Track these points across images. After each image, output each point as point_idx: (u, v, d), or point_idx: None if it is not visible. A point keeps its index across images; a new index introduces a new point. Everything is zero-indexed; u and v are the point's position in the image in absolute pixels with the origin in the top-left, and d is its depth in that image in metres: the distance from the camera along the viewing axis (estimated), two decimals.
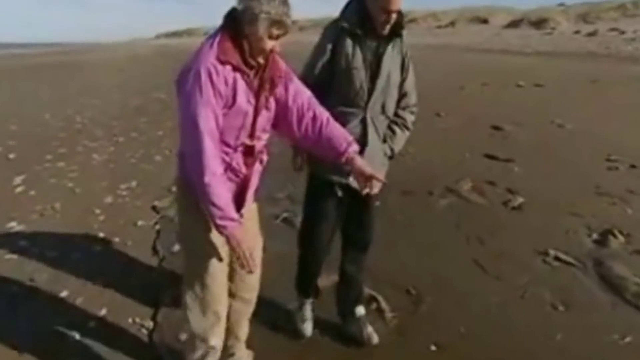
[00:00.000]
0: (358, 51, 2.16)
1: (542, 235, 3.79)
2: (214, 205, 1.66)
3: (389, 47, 2.20)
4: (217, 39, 1.68)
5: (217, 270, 1.91)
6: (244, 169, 1.83)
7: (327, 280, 2.78)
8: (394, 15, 2.10)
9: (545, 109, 8.40)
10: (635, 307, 2.93)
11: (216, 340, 2.00)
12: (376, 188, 2.05)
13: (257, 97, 1.75)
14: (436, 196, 4.63)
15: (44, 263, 3.37)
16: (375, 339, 2.49)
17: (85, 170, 5.67)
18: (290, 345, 2.54)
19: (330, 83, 2.20)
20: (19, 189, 5.02)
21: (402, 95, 2.33)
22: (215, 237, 1.82)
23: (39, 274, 3.22)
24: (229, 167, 1.78)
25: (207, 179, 1.64)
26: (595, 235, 3.82)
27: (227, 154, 1.76)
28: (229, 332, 2.14)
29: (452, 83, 12.25)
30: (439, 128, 7.24)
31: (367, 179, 1.90)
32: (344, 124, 2.10)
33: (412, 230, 3.92)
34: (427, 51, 24.06)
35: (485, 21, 55.99)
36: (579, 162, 5.62)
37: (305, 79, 2.12)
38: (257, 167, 1.90)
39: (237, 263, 1.81)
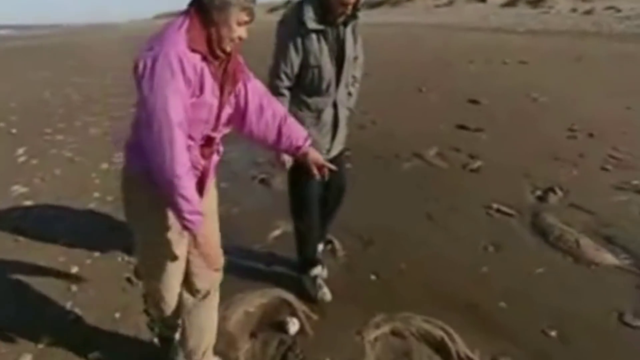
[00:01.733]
0: (324, 46, 2.33)
1: (491, 192, 4.22)
2: (184, 198, 1.61)
3: (348, 31, 2.40)
4: (186, 26, 1.60)
5: (173, 267, 1.90)
6: (202, 161, 1.78)
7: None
8: (350, 6, 2.26)
9: (524, 84, 8.74)
10: (556, 247, 3.38)
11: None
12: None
13: (221, 89, 1.71)
14: (402, 160, 5.06)
15: (44, 217, 3.84)
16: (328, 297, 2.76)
17: (83, 142, 6.10)
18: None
19: (299, 78, 2.37)
20: (21, 159, 5.46)
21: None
22: (173, 233, 1.80)
23: (39, 226, 3.69)
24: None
25: (178, 171, 1.57)
26: (538, 192, 4.25)
27: (189, 147, 1.67)
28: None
29: (439, 60, 12.57)
30: (418, 102, 7.61)
31: (321, 167, 2.03)
32: (319, 112, 2.43)
33: (374, 189, 4.36)
34: (420, 30, 24.23)
35: (483, 0, 55.41)
36: (542, 132, 6.02)
37: (280, 80, 2.32)
38: (215, 158, 1.86)
39: (199, 258, 1.85)
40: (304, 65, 2.33)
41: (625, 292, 2.91)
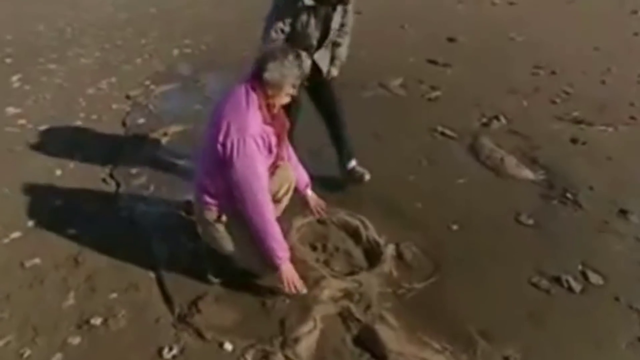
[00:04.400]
0: (312, 19, 2.79)
1: (440, 118, 4.60)
2: (276, 241, 2.23)
3: (337, 11, 2.86)
4: (257, 104, 2.17)
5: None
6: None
7: None
8: None
9: (506, 24, 8.82)
10: (483, 164, 3.83)
11: None
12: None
13: (279, 138, 2.32)
14: (367, 89, 5.41)
15: (34, 132, 4.32)
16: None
17: (72, 71, 6.45)
18: None
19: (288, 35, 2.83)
20: (15, 85, 5.85)
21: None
22: None
23: (30, 139, 4.19)
24: None
25: (270, 222, 2.19)
26: (484, 120, 4.64)
27: None
28: None
29: (428, 2, 12.53)
30: (397, 38, 7.80)
31: (319, 212, 2.77)
32: None
33: None
34: None
35: None
36: (507, 69, 6.29)
37: (276, 33, 2.77)
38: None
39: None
40: (292, 29, 2.81)
41: (529, 200, 3.39)
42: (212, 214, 2.35)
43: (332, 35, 2.97)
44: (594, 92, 5.38)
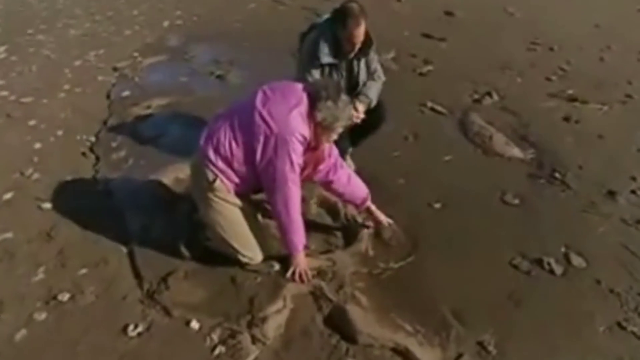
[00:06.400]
0: (335, 75, 2.87)
1: (431, 93, 4.49)
2: (297, 235, 2.30)
3: (361, 63, 2.92)
4: (305, 112, 2.19)
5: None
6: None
7: None
8: (357, 44, 2.76)
9: None
10: (471, 141, 3.75)
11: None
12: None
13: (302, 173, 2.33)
14: None
15: (16, 104, 4.24)
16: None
17: (61, 42, 6.32)
18: None
19: None
20: (1, 56, 5.74)
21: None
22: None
23: (12, 112, 4.10)
24: None
25: (295, 220, 2.25)
26: (476, 96, 4.54)
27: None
28: None
29: None
30: (393, 11, 7.62)
31: (378, 222, 2.71)
32: None
33: None
34: None
35: None
36: (504, 44, 6.15)
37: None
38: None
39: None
40: None
41: (515, 179, 3.32)
42: (210, 174, 2.27)
43: (362, 86, 2.98)
44: (592, 69, 5.25)
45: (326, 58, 2.80)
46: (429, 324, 2.21)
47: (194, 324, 2.15)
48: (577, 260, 2.61)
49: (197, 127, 3.69)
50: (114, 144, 3.60)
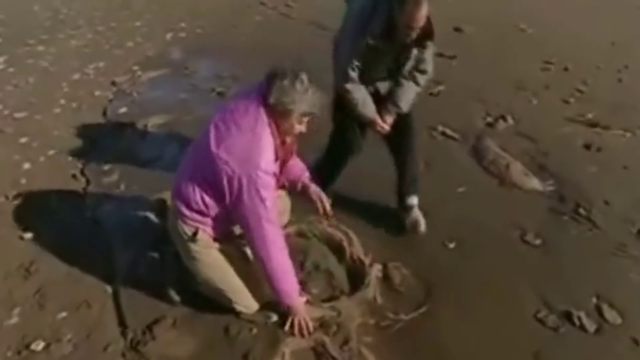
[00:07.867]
0: (382, 57, 2.47)
1: (442, 116, 4.25)
2: (287, 283, 2.06)
3: (412, 52, 2.49)
4: (268, 130, 1.92)
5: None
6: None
7: None
8: (416, 31, 2.31)
9: (517, 14, 8.42)
10: (486, 170, 3.51)
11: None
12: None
13: (282, 163, 2.13)
14: None
15: (8, 120, 4.07)
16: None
17: (61, 54, 6.16)
18: None
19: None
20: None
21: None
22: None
23: (2, 126, 3.94)
24: None
25: (280, 263, 2.02)
26: (489, 119, 4.30)
27: None
28: None
29: None
30: None
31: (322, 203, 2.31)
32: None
33: None
34: None
35: None
36: (517, 62, 5.93)
37: (352, 70, 2.45)
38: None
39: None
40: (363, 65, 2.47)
41: (536, 214, 3.07)
42: (188, 228, 2.08)
43: (405, 72, 2.59)
44: (610, 91, 5.02)
45: (372, 40, 2.34)
46: None
47: None
48: (610, 315, 2.35)
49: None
50: (106, 167, 3.40)
